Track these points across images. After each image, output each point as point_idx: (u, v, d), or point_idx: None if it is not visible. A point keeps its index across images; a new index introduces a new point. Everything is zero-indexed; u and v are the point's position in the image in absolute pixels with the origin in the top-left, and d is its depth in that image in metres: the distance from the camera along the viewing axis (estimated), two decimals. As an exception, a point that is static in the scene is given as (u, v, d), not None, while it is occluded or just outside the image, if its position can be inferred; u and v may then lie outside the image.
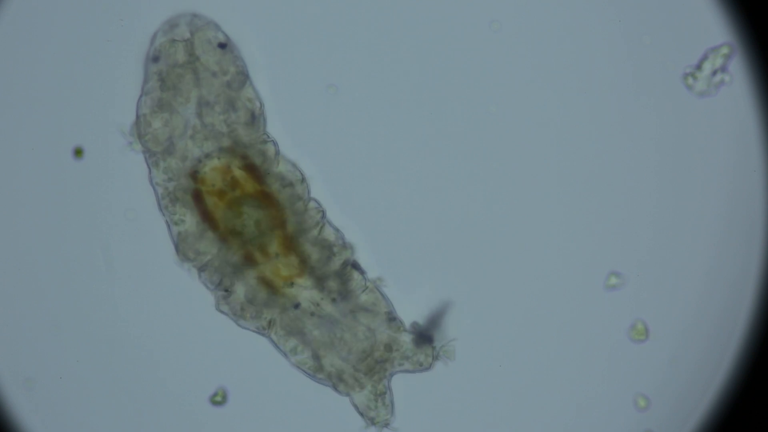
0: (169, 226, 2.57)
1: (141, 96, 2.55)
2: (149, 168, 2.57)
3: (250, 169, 2.55)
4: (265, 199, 2.55)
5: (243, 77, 2.58)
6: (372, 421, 2.63)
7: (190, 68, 2.54)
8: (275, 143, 2.58)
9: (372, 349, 2.61)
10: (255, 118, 2.57)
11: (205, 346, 2.66)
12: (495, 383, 2.70)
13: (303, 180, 2.60)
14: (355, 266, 2.63)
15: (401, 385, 2.66)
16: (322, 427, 2.69)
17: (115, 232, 2.65)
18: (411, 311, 2.66)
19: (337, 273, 2.59)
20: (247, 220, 2.53)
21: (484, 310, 2.70)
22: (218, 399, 2.68)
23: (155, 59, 2.54)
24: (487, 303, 2.70)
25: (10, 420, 2.65)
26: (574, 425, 2.70)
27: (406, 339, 2.63)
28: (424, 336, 2.64)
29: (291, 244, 2.56)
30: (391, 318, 2.63)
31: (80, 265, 2.65)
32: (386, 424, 2.64)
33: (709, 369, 2.68)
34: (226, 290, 2.56)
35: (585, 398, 2.70)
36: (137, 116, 2.55)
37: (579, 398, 2.70)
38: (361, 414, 2.64)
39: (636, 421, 2.70)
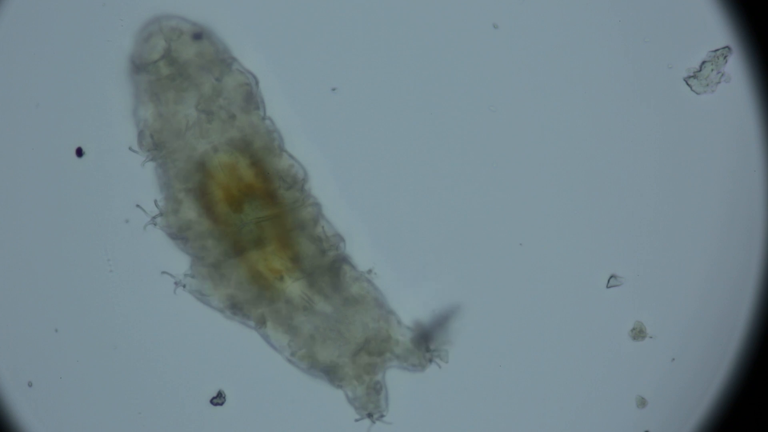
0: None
1: (135, 109, 2.55)
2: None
3: (257, 166, 2.55)
4: (268, 197, 2.55)
5: (226, 62, 2.57)
6: (367, 415, 2.63)
7: (178, 74, 2.53)
8: (279, 135, 2.59)
9: (366, 343, 2.61)
10: (250, 97, 2.57)
11: (204, 346, 2.66)
12: (495, 383, 2.70)
13: (304, 176, 2.60)
14: (346, 260, 2.63)
15: (401, 385, 2.66)
16: (320, 428, 2.69)
17: (115, 232, 2.65)
18: (410, 309, 2.67)
19: (329, 268, 2.59)
20: (247, 217, 2.54)
21: (484, 310, 2.70)
22: (218, 400, 2.68)
23: (138, 71, 2.55)
24: (487, 303, 2.70)
25: (10, 420, 2.65)
26: (574, 425, 2.70)
27: (405, 336, 2.64)
28: (424, 336, 2.64)
29: (287, 241, 2.56)
30: (387, 311, 2.63)
31: (80, 265, 2.65)
32: (380, 416, 2.64)
33: (709, 369, 2.68)
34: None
35: (585, 398, 2.70)
36: (139, 131, 2.56)
37: (579, 398, 2.70)
38: (356, 408, 2.64)
39: (636, 421, 2.70)
